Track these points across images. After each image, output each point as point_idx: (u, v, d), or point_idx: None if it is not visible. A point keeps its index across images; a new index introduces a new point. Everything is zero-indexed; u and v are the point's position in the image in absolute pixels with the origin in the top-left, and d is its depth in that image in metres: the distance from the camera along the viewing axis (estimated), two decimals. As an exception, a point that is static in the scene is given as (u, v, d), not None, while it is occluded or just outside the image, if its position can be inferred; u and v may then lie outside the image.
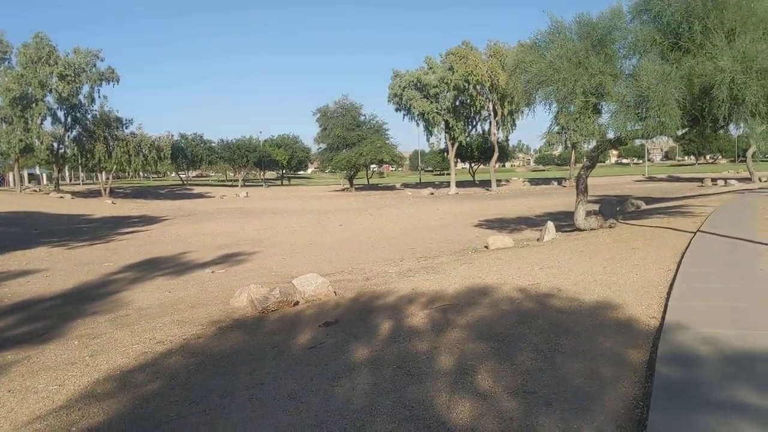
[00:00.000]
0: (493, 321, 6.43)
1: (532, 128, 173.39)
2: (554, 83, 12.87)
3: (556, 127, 17.52)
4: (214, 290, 11.39)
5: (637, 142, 18.26)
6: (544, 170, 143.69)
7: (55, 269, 15.21)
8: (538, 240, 15.89)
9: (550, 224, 15.97)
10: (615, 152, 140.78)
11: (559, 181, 74.41)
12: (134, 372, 5.74)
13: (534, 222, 23.52)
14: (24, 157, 56.44)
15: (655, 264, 9.45)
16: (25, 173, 71.98)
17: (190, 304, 9.97)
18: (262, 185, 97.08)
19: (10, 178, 73.48)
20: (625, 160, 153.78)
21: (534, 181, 78.64)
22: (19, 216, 33.08)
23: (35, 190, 60.22)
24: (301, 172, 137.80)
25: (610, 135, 13.94)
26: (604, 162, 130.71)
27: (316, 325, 7.12)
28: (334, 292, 9.27)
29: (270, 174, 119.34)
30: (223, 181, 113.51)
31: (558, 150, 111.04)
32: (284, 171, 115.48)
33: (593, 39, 12.91)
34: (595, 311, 6.61)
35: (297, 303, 8.78)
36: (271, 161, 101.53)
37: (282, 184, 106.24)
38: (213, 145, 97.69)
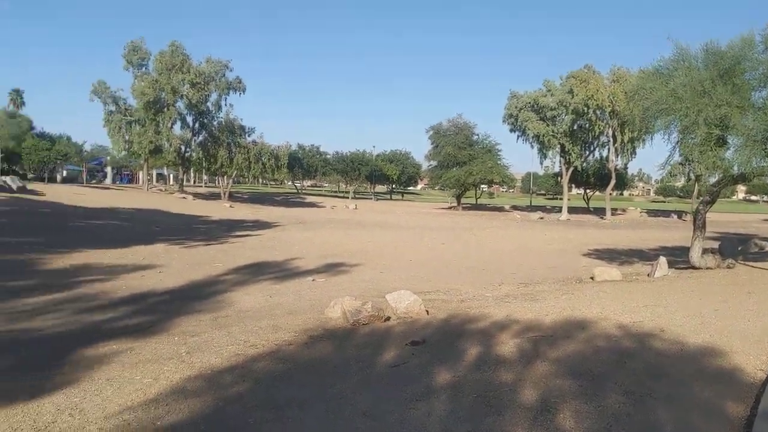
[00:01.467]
0: (586, 357, 6.15)
1: (653, 157, 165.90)
2: (675, 112, 12.24)
3: (678, 158, 16.68)
4: (312, 299, 11.62)
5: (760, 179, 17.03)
6: (664, 201, 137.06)
7: (169, 266, 16.05)
8: (648, 275, 15.11)
9: (663, 260, 15.15)
10: (743, 188, 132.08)
11: (680, 214, 70.64)
12: (223, 373, 5.93)
13: (646, 256, 22.43)
14: (153, 158, 60.34)
15: (773, 311, 8.74)
16: (154, 173, 76.77)
17: (287, 310, 10.22)
18: (371, 198, 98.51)
19: (140, 177, 78.73)
20: (753, 197, 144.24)
21: (652, 213, 75.12)
22: (144, 213, 35.28)
23: (161, 190, 64.14)
24: (411, 188, 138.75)
25: (735, 170, 13.08)
26: (730, 198, 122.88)
27: (404, 343, 7.09)
28: (426, 311, 9.21)
29: (380, 188, 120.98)
30: (335, 192, 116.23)
31: (681, 182, 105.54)
32: (394, 186, 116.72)
33: (720, 68, 12.18)
34: (698, 356, 6.18)
35: (388, 318, 8.79)
36: (382, 175, 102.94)
37: (391, 199, 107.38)
38: (328, 156, 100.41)
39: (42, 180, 57.04)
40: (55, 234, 20.89)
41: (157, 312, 10.19)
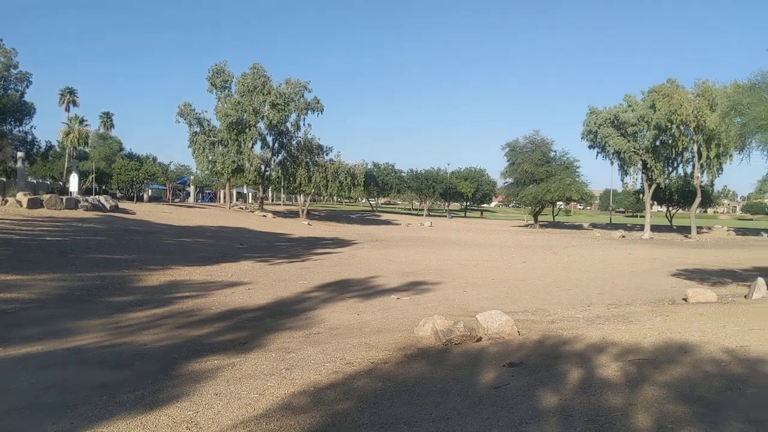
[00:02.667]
0: (696, 382, 5.94)
1: (740, 173, 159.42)
2: (776, 127, 11.73)
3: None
4: (399, 317, 11.67)
5: None
6: (751, 219, 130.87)
7: (256, 283, 16.47)
8: (745, 297, 14.46)
9: (761, 281, 14.46)
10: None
11: (771, 232, 67.26)
12: (326, 390, 6.03)
13: (740, 276, 21.44)
14: (234, 177, 62.10)
15: None
16: (234, 192, 79.07)
17: (376, 328, 10.31)
18: (445, 216, 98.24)
19: (221, 196, 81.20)
20: None
21: (740, 231, 71.74)
22: (227, 231, 36.34)
23: (242, 208, 65.88)
24: (485, 205, 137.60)
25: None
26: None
27: (501, 364, 7.03)
28: (518, 332, 9.10)
29: (454, 205, 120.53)
30: (409, 209, 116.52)
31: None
32: (468, 203, 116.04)
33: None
34: (819, 385, 5.87)
35: (480, 339, 8.74)
36: (457, 193, 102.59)
37: (465, 216, 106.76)
38: (403, 174, 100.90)
39: (131, 199, 59.58)
40: (148, 251, 21.79)
41: (250, 328, 10.48)
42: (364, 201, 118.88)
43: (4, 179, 51.52)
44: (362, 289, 16.19)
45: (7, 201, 30.28)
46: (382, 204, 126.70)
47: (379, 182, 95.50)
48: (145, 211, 41.09)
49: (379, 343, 8.57)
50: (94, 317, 11.04)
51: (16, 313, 10.93)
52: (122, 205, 42.21)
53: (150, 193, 74.08)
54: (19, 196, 31.43)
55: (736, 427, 4.65)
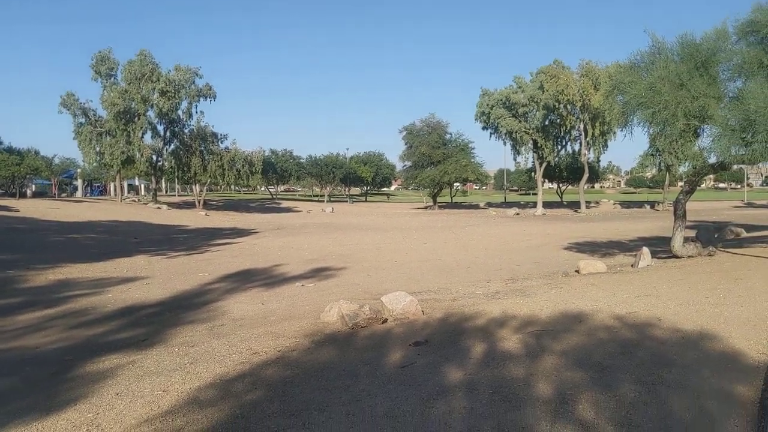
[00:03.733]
0: (591, 349, 6.27)
1: (623, 149, 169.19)
2: (654, 105, 12.48)
3: (651, 150, 17.00)
4: (305, 304, 11.64)
5: (736, 166, 17.44)
6: (635, 192, 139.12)
7: (154, 277, 15.92)
8: (632, 266, 15.38)
9: (646, 250, 15.43)
10: (711, 176, 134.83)
11: (652, 204, 71.78)
12: (233, 381, 5.92)
13: (627, 247, 22.78)
14: (125, 169, 59.58)
15: (762, 296, 8.96)
16: (125, 184, 75.89)
17: (282, 316, 10.22)
18: (346, 201, 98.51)
19: (111, 189, 77.73)
20: (721, 185, 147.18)
21: (625, 204, 76.17)
22: (119, 225, 34.88)
23: (134, 200, 63.39)
24: (385, 189, 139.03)
25: (712, 159, 13.39)
26: (700, 186, 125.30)
27: (407, 344, 7.15)
28: (422, 312, 9.28)
29: (355, 190, 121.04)
30: (310, 196, 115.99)
31: (651, 172, 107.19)
32: (369, 187, 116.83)
33: (697, 60, 12.44)
34: (699, 343, 6.34)
35: (386, 320, 8.85)
36: (357, 178, 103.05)
37: (366, 200, 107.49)
38: (302, 161, 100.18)
39: (13, 195, 55.96)
40: (34, 250, 20.59)
41: (150, 324, 10.12)
42: (263, 189, 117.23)
43: None
44: (266, 278, 16.00)
45: None
46: (282, 192, 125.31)
47: (278, 169, 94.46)
48: (29, 208, 38.75)
49: (285, 331, 8.50)
50: (-24, 323, 10.32)
51: None
52: (3, 202, 39.61)
53: (34, 189, 69.78)
54: None
55: (629, 389, 4.95)
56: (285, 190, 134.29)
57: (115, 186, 69.76)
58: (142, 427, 4.81)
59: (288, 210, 69.43)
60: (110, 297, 12.88)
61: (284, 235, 32.49)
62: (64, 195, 72.53)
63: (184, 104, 57.30)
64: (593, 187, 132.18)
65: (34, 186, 70.33)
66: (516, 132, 61.20)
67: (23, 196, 57.33)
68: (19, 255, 19.13)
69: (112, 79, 54.75)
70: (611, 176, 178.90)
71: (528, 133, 61.66)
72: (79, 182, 78.21)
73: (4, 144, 68.58)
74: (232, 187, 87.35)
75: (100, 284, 14.59)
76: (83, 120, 54.91)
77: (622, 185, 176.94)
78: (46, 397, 5.86)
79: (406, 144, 77.13)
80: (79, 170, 77.26)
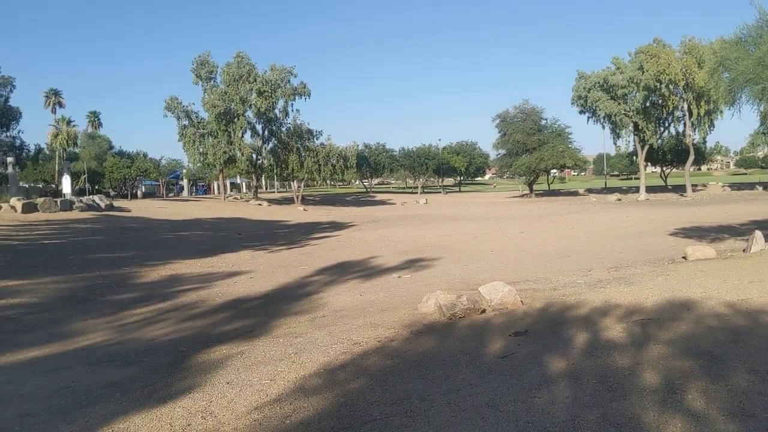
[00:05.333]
0: (700, 337, 6.01)
1: (732, 128, 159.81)
2: (764, 81, 11.74)
3: (762, 127, 15.99)
4: (402, 295, 11.73)
5: None
6: (745, 173, 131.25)
7: (257, 271, 16.51)
8: (743, 251, 14.55)
9: (759, 234, 14.54)
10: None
11: (765, 185, 67.52)
12: (336, 371, 6.08)
13: (737, 231, 21.57)
14: (227, 168, 61.98)
15: None
16: (228, 182, 78.92)
17: (380, 307, 10.36)
18: (440, 192, 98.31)
19: (215, 187, 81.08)
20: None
21: (735, 186, 72.00)
22: (224, 222, 36.35)
23: (236, 198, 65.85)
24: (479, 178, 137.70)
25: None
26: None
27: (506, 334, 7.09)
28: (521, 302, 9.15)
29: (448, 180, 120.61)
30: (403, 188, 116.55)
31: (762, 152, 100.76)
32: (462, 178, 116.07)
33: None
34: (822, 332, 5.95)
35: (484, 311, 8.79)
36: (450, 168, 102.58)
37: (460, 191, 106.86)
38: (394, 153, 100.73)
39: (125, 196, 59.49)
40: (146, 248, 21.82)
41: (256, 315, 10.53)
42: (357, 183, 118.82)
43: (-4, 186, 51.37)
44: (363, 270, 16.25)
45: (0, 207, 30.17)
46: (375, 185, 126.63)
47: (371, 163, 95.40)
48: (140, 208, 41.05)
49: (384, 321, 8.62)
50: (98, 316, 11.08)
51: (20, 318, 10.96)
52: (117, 203, 42.14)
53: (143, 190, 73.94)
54: (13, 201, 31.32)
55: (742, 378, 4.72)
56: (379, 183, 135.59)
57: (218, 185, 72.73)
58: (252, 414, 5.03)
59: (382, 203, 70.11)
60: (217, 291, 13.47)
61: (379, 227, 32.84)
62: (171, 195, 76.44)
63: (281, 103, 58.97)
64: (699, 169, 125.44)
65: (143, 187, 74.53)
66: (615, 115, 59.01)
67: (134, 197, 60.80)
68: (133, 252, 20.33)
69: (212, 81, 57.08)
70: (719, 157, 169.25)
71: (628, 116, 59.30)
72: (184, 182, 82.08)
73: (116, 148, 72.86)
74: (328, 182, 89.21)
75: (207, 279, 15.29)
76: (186, 122, 57.55)
77: (732, 166, 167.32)
78: (163, 385, 6.23)
79: (499, 132, 76.09)
80: (184, 171, 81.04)
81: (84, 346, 8.83)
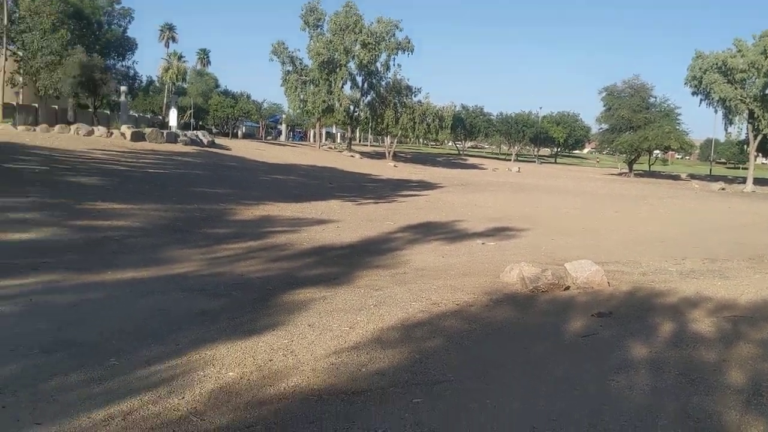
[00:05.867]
0: (797, 342, 5.74)
1: None
2: None
3: None
4: (484, 261, 11.70)
5: None
6: None
7: (344, 221, 16.81)
8: None
9: None
10: None
11: None
12: (413, 327, 6.20)
13: None
14: (325, 117, 62.83)
15: None
16: (324, 131, 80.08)
17: (461, 271, 10.39)
18: (534, 161, 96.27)
19: (311, 135, 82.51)
20: None
21: None
22: (317, 170, 37.04)
23: (331, 148, 66.90)
24: (577, 151, 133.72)
25: None
26: None
27: (589, 313, 6.99)
28: (608, 283, 8.96)
29: (544, 150, 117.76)
30: (497, 154, 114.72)
31: None
32: (559, 149, 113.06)
33: None
34: None
35: (568, 288, 8.67)
36: (547, 138, 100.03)
37: (555, 162, 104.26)
38: (492, 117, 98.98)
39: (226, 135, 61.58)
40: (242, 187, 22.60)
41: (339, 264, 10.78)
42: (450, 144, 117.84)
43: (108, 112, 54.18)
44: (447, 232, 16.25)
45: (112, 133, 31.92)
46: (468, 147, 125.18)
47: (467, 125, 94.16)
48: (239, 148, 42.38)
49: (464, 286, 8.66)
50: (193, 247, 11.64)
51: (123, 240, 11.65)
52: (218, 140, 43.65)
53: (244, 130, 76.13)
54: (123, 128, 33.07)
55: (839, 391, 4.50)
56: (472, 147, 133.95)
57: (314, 132, 74.03)
58: (330, 357, 5.23)
59: (474, 167, 69.37)
60: (306, 236, 13.84)
61: (468, 191, 32.60)
62: (269, 138, 78.45)
63: (383, 56, 58.83)
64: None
65: (244, 127, 76.73)
66: (730, 100, 55.59)
67: (234, 136, 62.82)
68: (230, 190, 21.11)
69: (319, 29, 57.58)
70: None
71: (744, 102, 55.75)
72: (283, 127, 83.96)
73: (221, 87, 75.08)
74: (421, 140, 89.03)
75: (297, 223, 15.72)
76: (290, 68, 58.50)
77: None
78: (249, 320, 6.54)
79: (604, 105, 73.31)
80: (283, 116, 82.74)
81: (178, 273, 9.33)
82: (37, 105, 46.34)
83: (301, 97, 58.20)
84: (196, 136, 39.05)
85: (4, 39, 41.89)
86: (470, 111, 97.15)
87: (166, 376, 4.75)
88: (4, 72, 41.28)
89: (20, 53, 44.34)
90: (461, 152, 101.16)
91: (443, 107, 64.42)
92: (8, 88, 42.88)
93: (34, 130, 31.54)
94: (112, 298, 7.47)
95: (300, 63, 58.80)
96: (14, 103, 43.44)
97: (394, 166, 54.56)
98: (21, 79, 44.76)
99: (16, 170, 17.71)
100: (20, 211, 12.57)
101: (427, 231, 16.16)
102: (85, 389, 4.42)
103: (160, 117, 60.92)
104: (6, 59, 42.31)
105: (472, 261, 11.80)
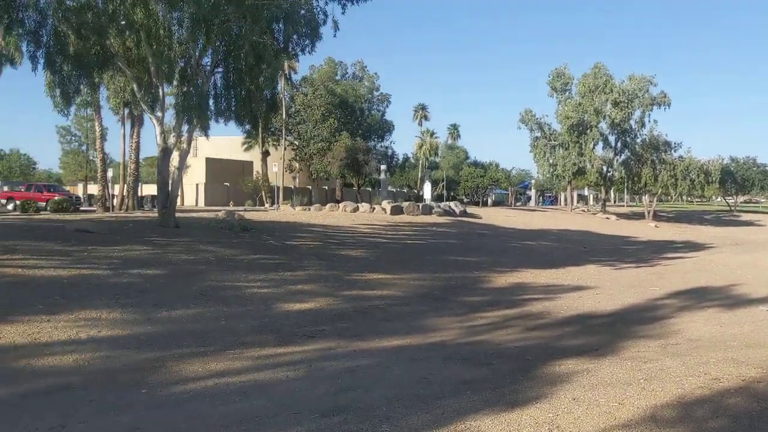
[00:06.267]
0: None
1: None
2: None
3: None
4: (771, 332, 10.36)
5: None
6: None
7: (603, 287, 16.09)
8: None
9: None
10: None
11: None
12: (692, 405, 5.67)
13: None
14: (576, 180, 61.48)
15: None
16: (575, 194, 78.16)
17: (744, 342, 9.30)
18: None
19: (561, 199, 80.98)
20: None
21: None
22: (569, 234, 36.13)
23: (583, 210, 64.90)
24: None
25: None
26: None
27: None
28: None
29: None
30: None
31: None
32: None
33: None
34: None
35: None
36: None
37: None
38: (767, 169, 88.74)
39: (476, 204, 63.00)
40: (494, 254, 22.84)
41: (601, 333, 10.31)
42: (719, 199, 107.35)
43: (370, 189, 58.83)
44: (723, 297, 14.69)
45: (374, 209, 34.58)
46: (741, 203, 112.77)
47: (737, 178, 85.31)
48: (490, 215, 43.05)
49: (749, 359, 7.73)
50: (450, 315, 11.99)
51: (386, 309, 12.40)
52: (469, 209, 44.81)
53: (493, 198, 77.30)
54: (384, 204, 35.65)
55: None
56: (745, 201, 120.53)
57: (565, 196, 72.58)
58: (599, 435, 4.98)
59: (748, 223, 62.37)
60: (562, 303, 13.49)
61: (744, 251, 29.28)
62: (518, 204, 78.62)
63: (637, 113, 56.52)
64: None
65: (493, 195, 77.94)
66: None
67: (485, 204, 64.02)
68: (483, 257, 21.46)
69: (567, 93, 57.29)
70: None
71: None
72: (532, 192, 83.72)
73: (471, 158, 77.52)
74: (684, 197, 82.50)
75: (551, 290, 15.41)
76: (539, 134, 58.66)
77: None
78: (510, 391, 6.51)
79: None
80: (532, 181, 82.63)
81: (437, 341, 9.64)
82: (310, 187, 52.05)
83: (551, 161, 57.78)
84: (449, 206, 40.57)
85: (284, 131, 48.05)
86: (741, 163, 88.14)
87: (434, 444, 4.88)
88: (284, 160, 47.07)
89: (296, 142, 50.50)
90: (733, 208, 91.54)
91: (708, 161, 59.57)
92: (287, 173, 48.74)
93: (309, 209, 35.40)
94: (379, 365, 7.94)
95: (548, 128, 58.71)
96: (292, 187, 49.14)
97: (655, 226, 51.18)
98: (297, 165, 50.75)
99: (295, 246, 19.88)
100: (299, 284, 14.04)
101: (699, 297, 14.81)
102: (361, 452, 4.71)
103: (415, 191, 64.51)
104: (285, 149, 48.35)
105: (756, 330, 10.52)
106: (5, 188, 38.93)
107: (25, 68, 18.87)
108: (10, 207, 34.17)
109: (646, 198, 66.39)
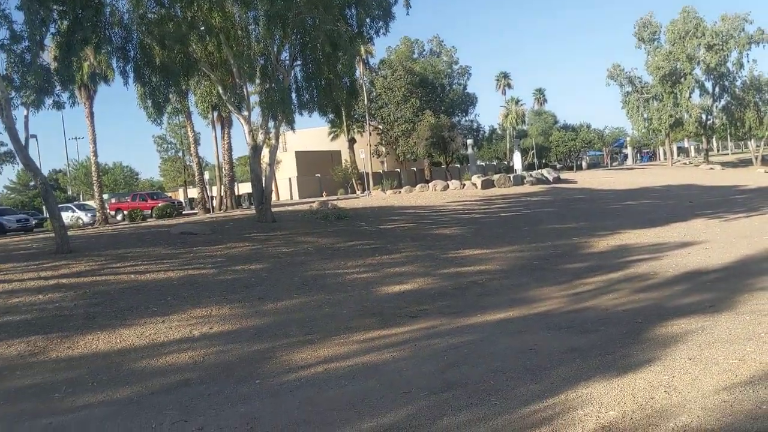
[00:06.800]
0: None
1: None
2: None
3: None
4: None
5: None
6: None
7: (712, 241, 15.29)
8: None
9: None
10: None
11: None
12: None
13: None
14: (673, 132, 58.65)
15: None
16: (674, 147, 74.55)
17: None
18: None
19: (660, 153, 77.45)
20: None
21: None
22: (672, 189, 34.52)
23: (684, 163, 61.96)
24: None
25: None
26: None
27: None
28: None
29: None
30: None
31: None
32: None
33: None
34: None
35: None
36: None
37: None
38: None
39: (570, 168, 61.30)
40: (593, 218, 22.14)
41: (713, 290, 9.83)
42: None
43: (458, 165, 58.35)
44: None
45: (464, 185, 34.26)
46: None
47: None
48: (585, 179, 41.81)
49: None
50: (552, 284, 11.74)
51: (486, 284, 12.29)
52: (563, 175, 43.68)
53: (588, 161, 74.87)
54: (474, 178, 35.26)
55: None
56: None
57: (663, 150, 69.41)
58: (720, 394, 4.76)
59: None
60: (669, 262, 12.93)
61: None
62: (615, 164, 75.89)
63: (734, 55, 53.10)
64: None
65: (587, 158, 75.52)
66: None
67: (579, 168, 62.17)
68: (581, 223, 20.84)
69: (655, 43, 54.59)
70: None
71: None
72: (628, 150, 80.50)
73: (560, 122, 75.28)
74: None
75: (657, 249, 14.79)
76: (629, 89, 56.27)
77: None
78: (621, 356, 6.32)
79: None
80: (627, 138, 79.39)
81: (541, 311, 9.48)
82: (398, 170, 52.19)
83: (645, 115, 55.33)
84: (541, 174, 39.64)
85: (367, 117, 48.33)
86: None
87: (546, 415, 4.82)
88: (370, 145, 47.39)
89: (380, 127, 50.68)
90: None
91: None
92: (374, 158, 49.05)
93: (399, 192, 35.46)
94: (484, 339, 7.90)
95: (639, 81, 56.17)
96: (381, 171, 49.44)
97: (765, 172, 48.12)
98: (383, 149, 50.95)
99: (390, 230, 20.03)
100: (396, 266, 14.14)
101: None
102: (473, 428, 4.71)
103: (505, 162, 63.43)
104: (370, 134, 48.64)
105: None
106: (113, 200, 41.09)
107: (117, 84, 19.96)
108: (119, 218, 36.10)
109: (752, 143, 62.55)
